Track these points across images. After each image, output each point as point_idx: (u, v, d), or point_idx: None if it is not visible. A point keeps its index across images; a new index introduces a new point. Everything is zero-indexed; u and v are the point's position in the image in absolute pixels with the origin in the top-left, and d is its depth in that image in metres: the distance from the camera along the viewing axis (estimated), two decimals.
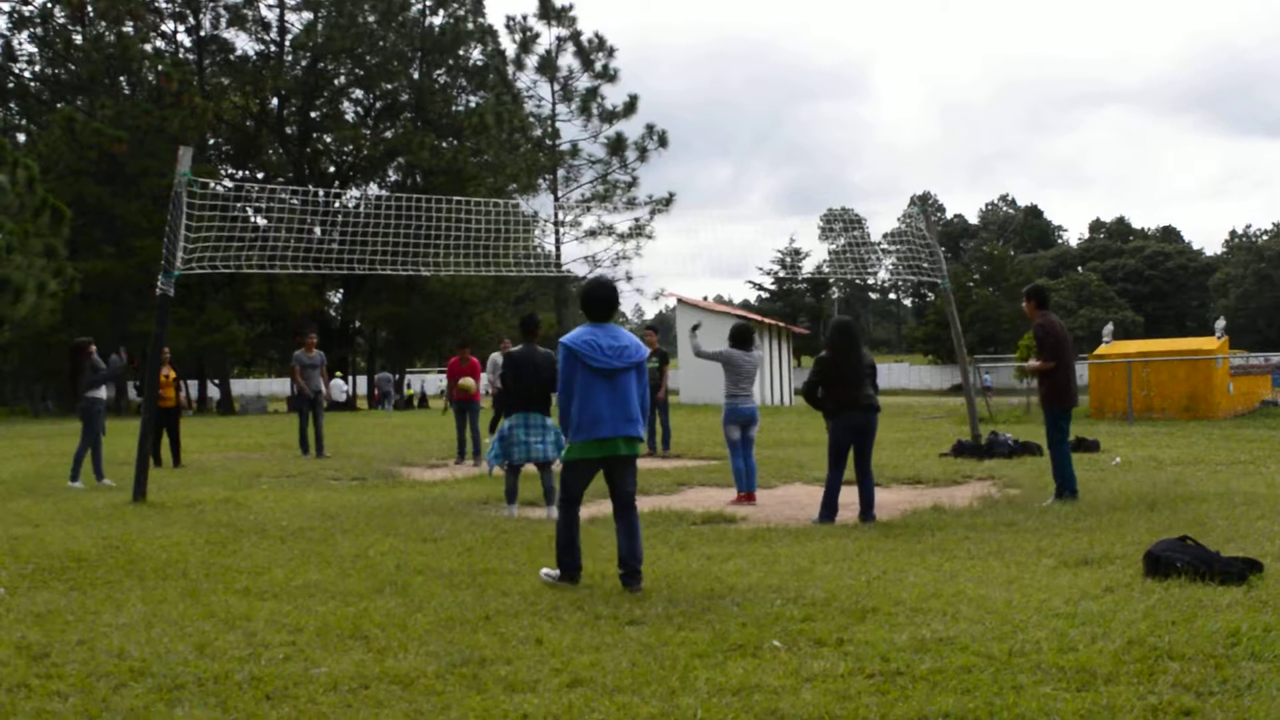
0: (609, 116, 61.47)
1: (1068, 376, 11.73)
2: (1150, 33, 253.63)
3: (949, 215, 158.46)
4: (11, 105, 57.58)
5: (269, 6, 57.85)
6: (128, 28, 51.83)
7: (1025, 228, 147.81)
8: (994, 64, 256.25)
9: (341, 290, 60.80)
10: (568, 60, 61.58)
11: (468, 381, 18.32)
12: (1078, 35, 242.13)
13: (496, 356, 19.40)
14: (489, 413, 20.58)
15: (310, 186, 29.43)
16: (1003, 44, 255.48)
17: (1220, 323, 31.90)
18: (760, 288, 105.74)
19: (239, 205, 17.00)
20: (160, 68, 51.46)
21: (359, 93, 61.29)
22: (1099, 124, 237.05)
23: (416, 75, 59.85)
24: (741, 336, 12.74)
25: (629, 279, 62.23)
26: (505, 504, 11.65)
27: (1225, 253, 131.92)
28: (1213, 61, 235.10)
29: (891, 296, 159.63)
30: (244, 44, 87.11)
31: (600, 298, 7.76)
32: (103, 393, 15.48)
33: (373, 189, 60.98)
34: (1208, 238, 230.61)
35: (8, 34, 55.54)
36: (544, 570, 7.80)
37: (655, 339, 20.20)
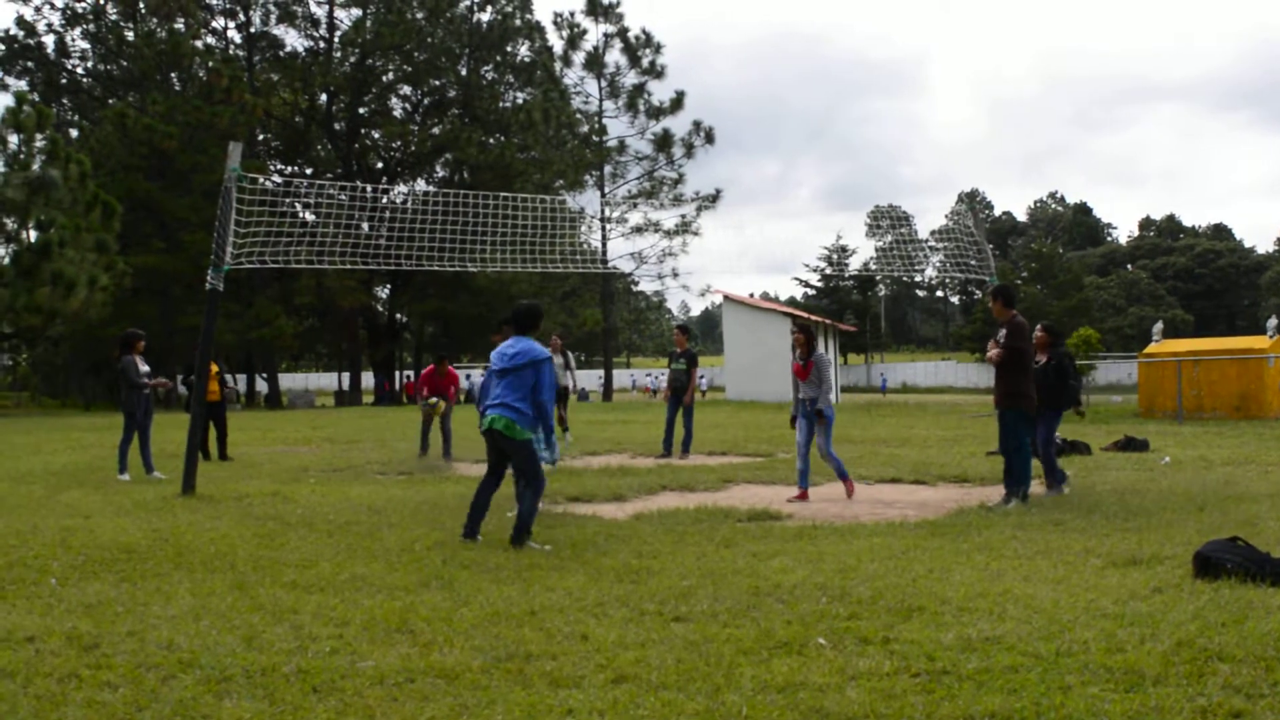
0: (656, 113, 61.67)
1: (1029, 379, 11.54)
2: (1205, 28, 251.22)
3: (997, 212, 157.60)
4: (64, 101, 58.38)
5: (318, 3, 58.49)
6: (179, 24, 52.41)
7: (1074, 225, 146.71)
8: (1046, 60, 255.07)
9: (389, 286, 61.19)
10: (615, 57, 61.94)
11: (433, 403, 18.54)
12: (1131, 31, 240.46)
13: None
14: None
15: (358, 182, 29.62)
16: (1055, 39, 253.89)
17: (1272, 321, 31.44)
18: (807, 284, 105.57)
19: (288, 200, 17.14)
20: (210, 64, 52.08)
21: (407, 89, 61.66)
22: (1151, 121, 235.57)
23: (464, 71, 60.09)
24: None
25: (675, 275, 62.44)
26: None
27: (1277, 251, 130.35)
28: (1268, 56, 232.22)
29: (939, 294, 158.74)
30: (293, 40, 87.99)
31: None
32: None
33: (420, 185, 61.36)
34: (1260, 235, 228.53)
35: (61, 30, 56.41)
36: None
37: (684, 340, 19.45)
